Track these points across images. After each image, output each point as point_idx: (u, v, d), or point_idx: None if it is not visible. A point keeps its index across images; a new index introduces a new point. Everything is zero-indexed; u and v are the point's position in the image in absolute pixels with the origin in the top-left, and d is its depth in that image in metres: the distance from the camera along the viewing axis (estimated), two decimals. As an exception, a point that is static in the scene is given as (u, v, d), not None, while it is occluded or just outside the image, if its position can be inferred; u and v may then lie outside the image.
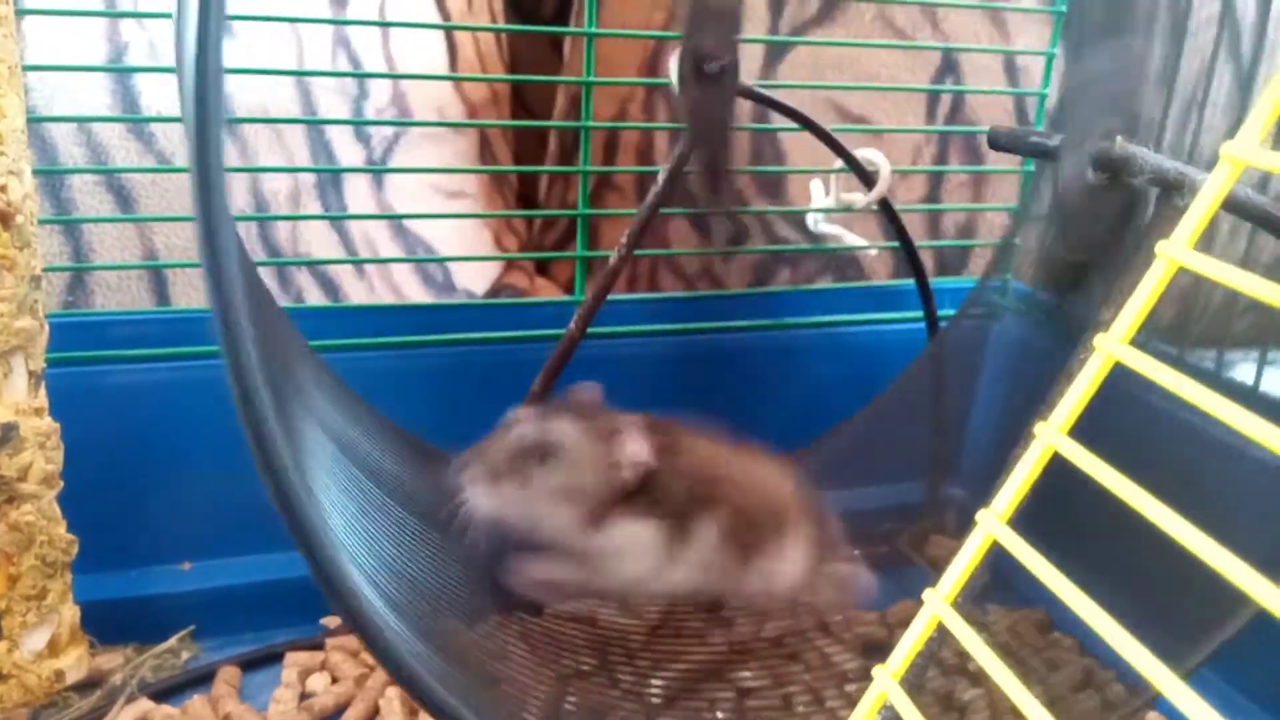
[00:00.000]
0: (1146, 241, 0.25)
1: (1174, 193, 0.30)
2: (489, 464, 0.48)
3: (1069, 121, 0.35)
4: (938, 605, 0.26)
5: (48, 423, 0.47)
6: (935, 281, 0.67)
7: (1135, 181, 0.30)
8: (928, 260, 0.81)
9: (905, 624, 0.27)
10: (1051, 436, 0.25)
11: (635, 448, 0.49)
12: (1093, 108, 0.35)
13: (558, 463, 0.49)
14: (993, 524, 0.26)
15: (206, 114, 0.25)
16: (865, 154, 0.58)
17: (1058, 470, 0.25)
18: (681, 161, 0.53)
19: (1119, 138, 0.31)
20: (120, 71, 0.66)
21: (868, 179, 0.60)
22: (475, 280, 0.80)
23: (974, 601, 0.60)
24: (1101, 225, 0.33)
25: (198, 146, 0.25)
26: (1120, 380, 0.25)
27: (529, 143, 0.90)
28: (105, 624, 0.53)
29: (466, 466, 0.49)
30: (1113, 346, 0.25)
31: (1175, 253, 0.24)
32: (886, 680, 0.27)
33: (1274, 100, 0.23)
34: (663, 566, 0.51)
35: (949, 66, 0.78)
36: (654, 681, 0.52)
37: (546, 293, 0.86)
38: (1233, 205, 0.32)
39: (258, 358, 0.26)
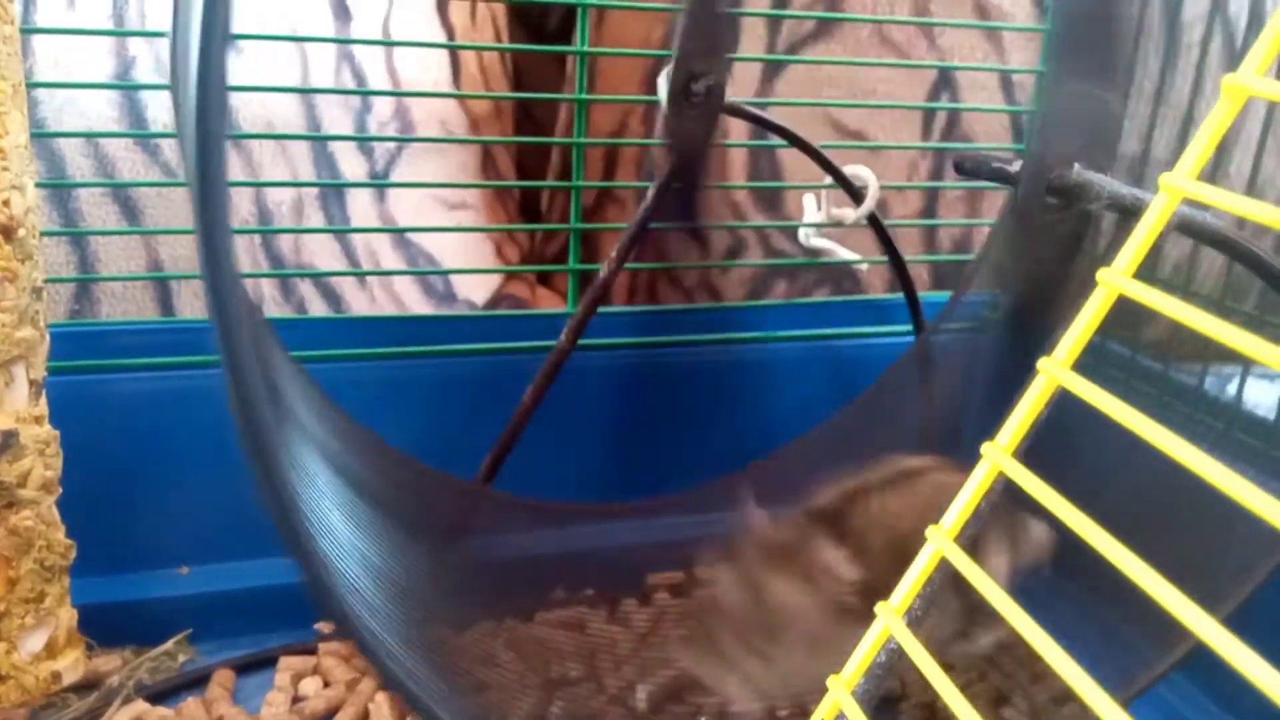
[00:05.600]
0: (1102, 265, 0.26)
1: (1131, 218, 0.31)
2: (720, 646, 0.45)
3: (1033, 147, 0.36)
4: (887, 618, 0.27)
5: (47, 430, 0.48)
6: (931, 295, 0.68)
7: (1092, 208, 0.31)
8: (923, 274, 0.81)
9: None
10: (997, 457, 0.26)
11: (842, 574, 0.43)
12: (1064, 136, 0.35)
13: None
14: (940, 540, 0.27)
15: (208, 132, 0.26)
16: (853, 170, 0.59)
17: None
18: (670, 178, 0.55)
19: (1076, 165, 0.32)
20: (127, 89, 0.67)
21: (856, 195, 0.60)
22: (476, 290, 0.81)
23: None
24: (1055, 249, 0.33)
25: (199, 165, 0.26)
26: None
27: (532, 153, 0.91)
28: (104, 627, 0.54)
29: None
30: (1055, 370, 0.25)
31: (1116, 280, 0.25)
32: (839, 689, 0.28)
33: (1211, 133, 0.24)
34: None
35: (944, 82, 0.79)
36: (640, 688, 0.53)
37: (547, 303, 0.87)
38: (1190, 229, 0.33)
39: (257, 372, 0.27)
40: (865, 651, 0.28)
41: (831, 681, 0.28)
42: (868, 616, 0.42)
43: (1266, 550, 0.47)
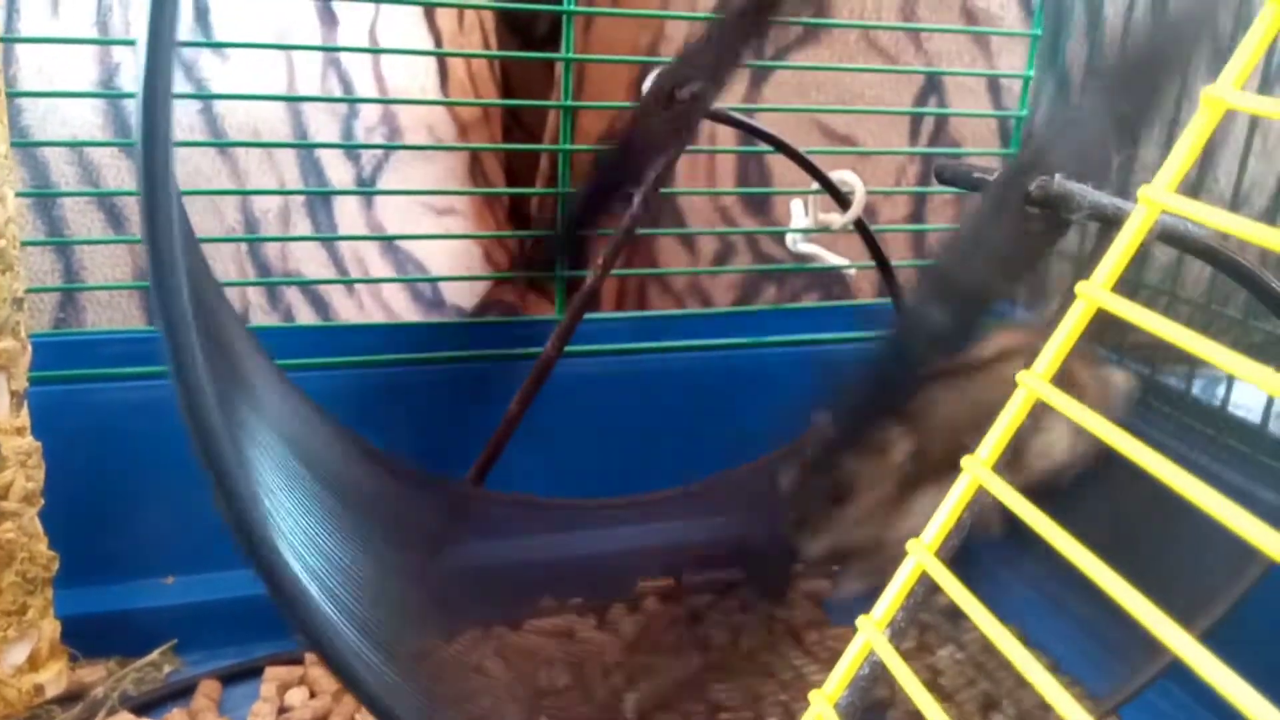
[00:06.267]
0: (1082, 276, 0.26)
1: (1113, 229, 0.30)
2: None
3: (1027, 155, 0.36)
4: (869, 632, 0.27)
5: (29, 442, 0.48)
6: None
7: (1074, 218, 0.31)
8: (911, 278, 0.81)
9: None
10: (976, 470, 0.26)
11: None
12: (1063, 152, 0.35)
13: None
14: (921, 554, 0.27)
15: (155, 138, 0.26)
16: (840, 175, 0.59)
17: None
18: (657, 183, 0.54)
19: (1057, 175, 0.32)
20: (111, 97, 0.67)
21: (842, 200, 0.60)
22: (465, 295, 0.81)
23: (948, 618, 0.61)
24: (1022, 259, 0.33)
25: (145, 171, 0.26)
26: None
27: (520, 158, 0.91)
28: (88, 638, 0.53)
29: None
30: (1034, 383, 0.25)
31: (1094, 293, 0.25)
32: (821, 704, 0.28)
33: (1190, 144, 0.24)
34: None
35: (932, 86, 0.79)
36: (628, 696, 0.52)
37: (537, 308, 0.87)
38: (1174, 239, 0.33)
39: (205, 368, 0.27)
40: (848, 664, 0.27)
41: (814, 696, 0.28)
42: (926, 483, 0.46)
43: (1252, 554, 0.47)
